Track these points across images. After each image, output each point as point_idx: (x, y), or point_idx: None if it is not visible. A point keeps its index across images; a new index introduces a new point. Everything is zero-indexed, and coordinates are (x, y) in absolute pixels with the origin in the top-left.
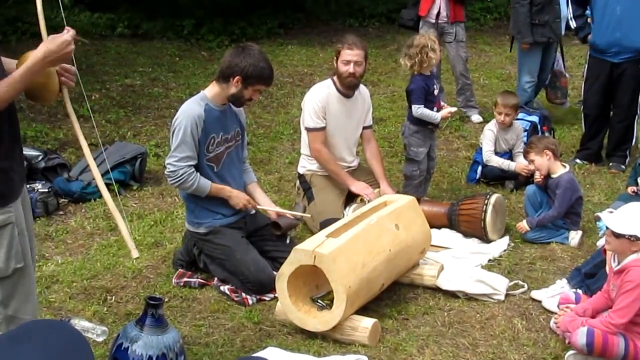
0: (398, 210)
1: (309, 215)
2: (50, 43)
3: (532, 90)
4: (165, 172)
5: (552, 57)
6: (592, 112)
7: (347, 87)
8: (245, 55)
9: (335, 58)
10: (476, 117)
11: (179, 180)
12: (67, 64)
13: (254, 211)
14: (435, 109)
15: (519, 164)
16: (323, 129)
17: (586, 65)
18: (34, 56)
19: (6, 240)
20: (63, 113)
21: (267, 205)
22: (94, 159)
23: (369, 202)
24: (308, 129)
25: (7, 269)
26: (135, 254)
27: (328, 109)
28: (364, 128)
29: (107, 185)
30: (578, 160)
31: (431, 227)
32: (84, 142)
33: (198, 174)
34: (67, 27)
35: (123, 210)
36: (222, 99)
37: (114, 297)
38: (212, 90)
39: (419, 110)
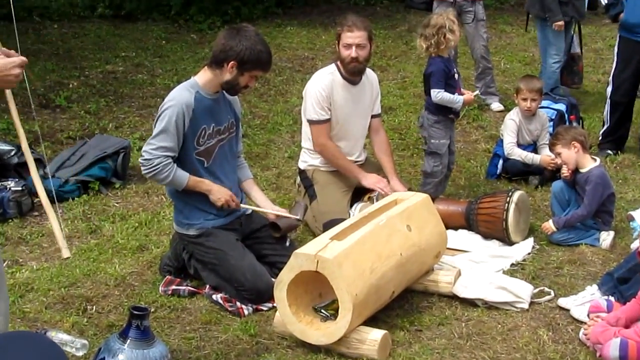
0: (410, 210)
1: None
2: None
3: (559, 71)
4: (140, 160)
5: (570, 38)
6: (622, 99)
7: (352, 73)
8: (240, 38)
9: (336, 42)
10: (496, 105)
11: (153, 171)
12: (8, 88)
13: (249, 210)
14: (456, 95)
15: (544, 157)
16: (328, 120)
17: (616, 48)
18: None
19: None
20: (37, 103)
21: (263, 203)
22: (71, 155)
23: (378, 199)
24: (311, 122)
25: None
26: (65, 253)
27: (333, 98)
28: (372, 117)
29: (86, 182)
30: (609, 151)
31: (447, 227)
32: (22, 131)
33: (175, 165)
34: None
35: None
36: (214, 86)
37: (94, 307)
38: (203, 76)
39: (438, 95)
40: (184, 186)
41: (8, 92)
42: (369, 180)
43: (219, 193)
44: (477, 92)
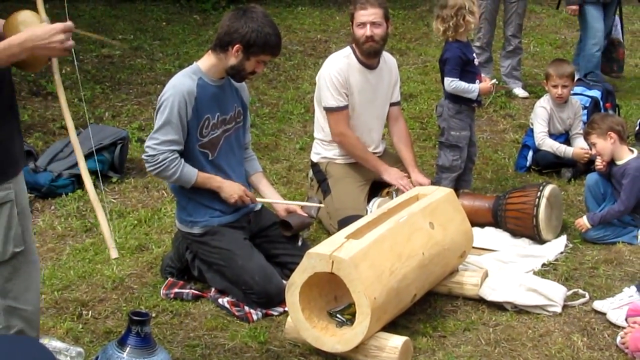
0: (433, 205)
1: (323, 205)
2: (37, 27)
3: (599, 54)
4: (143, 157)
5: (610, 21)
6: None
7: (368, 55)
8: (247, 19)
9: (350, 22)
10: (520, 91)
11: (159, 167)
12: (56, 57)
13: (259, 206)
14: (477, 82)
15: (577, 149)
16: (346, 107)
17: None
18: (12, 38)
19: (4, 220)
20: (28, 90)
21: (272, 198)
22: (65, 147)
23: (398, 194)
24: (329, 110)
25: (5, 253)
26: (114, 254)
27: (349, 83)
28: (391, 105)
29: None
30: None
31: (473, 225)
32: (71, 123)
33: (182, 160)
34: (68, 21)
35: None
36: (219, 71)
37: (90, 312)
38: (207, 61)
39: (452, 84)
40: (192, 183)
41: (55, 65)
42: (391, 174)
43: (231, 189)
44: (494, 80)
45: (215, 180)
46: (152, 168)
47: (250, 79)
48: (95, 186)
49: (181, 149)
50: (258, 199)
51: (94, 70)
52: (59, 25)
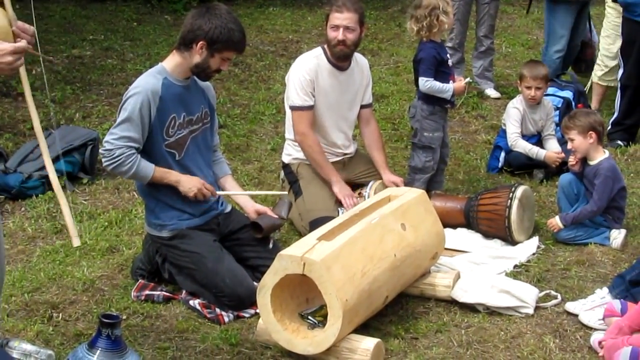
0: (405, 207)
1: (285, 193)
2: None
3: (560, 61)
4: (100, 151)
5: (586, 22)
6: (632, 82)
7: (338, 58)
8: (210, 16)
9: (324, 23)
10: (492, 92)
11: (115, 162)
12: (3, 75)
13: (229, 208)
14: (450, 82)
15: (549, 153)
16: (311, 107)
17: (620, 30)
18: None
19: None
20: None
21: (244, 204)
22: (35, 148)
23: (342, 212)
24: (293, 108)
25: None
26: (76, 242)
27: (317, 84)
28: (362, 107)
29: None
30: (620, 142)
31: (445, 226)
32: (37, 122)
33: (138, 156)
34: (23, 39)
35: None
36: (184, 71)
37: (61, 314)
38: (171, 61)
39: (427, 84)
40: (149, 178)
41: (21, 70)
42: (341, 190)
43: (189, 183)
44: (468, 79)
45: (172, 175)
46: (108, 163)
47: (217, 78)
48: (64, 187)
49: (139, 147)
50: (219, 192)
51: (64, 71)
52: (8, 47)
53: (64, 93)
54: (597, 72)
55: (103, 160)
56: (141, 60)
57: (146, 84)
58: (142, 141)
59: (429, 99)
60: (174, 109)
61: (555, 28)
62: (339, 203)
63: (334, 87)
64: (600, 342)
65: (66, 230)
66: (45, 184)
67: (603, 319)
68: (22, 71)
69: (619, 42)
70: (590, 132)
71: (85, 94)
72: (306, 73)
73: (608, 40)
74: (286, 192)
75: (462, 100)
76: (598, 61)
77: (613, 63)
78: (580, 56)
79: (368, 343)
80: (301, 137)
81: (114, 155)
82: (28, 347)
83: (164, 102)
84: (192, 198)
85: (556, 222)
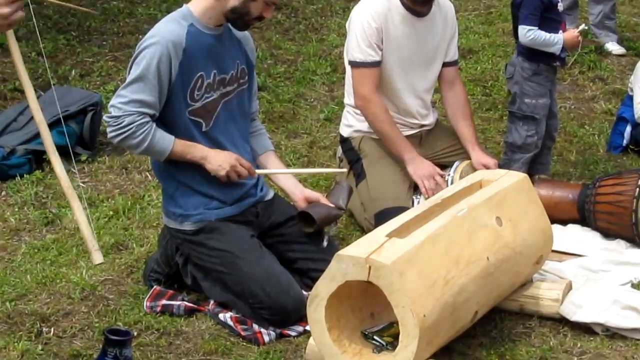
0: (501, 195)
1: (344, 170)
2: None
3: None
4: (105, 118)
5: None
6: None
7: (415, 1)
8: None
9: None
10: (614, 47)
11: (123, 133)
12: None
13: (270, 195)
14: (560, 32)
15: None
16: (377, 64)
17: None
18: None
19: None
20: None
21: (289, 186)
22: (19, 115)
23: (418, 203)
24: (353, 64)
25: None
26: (98, 258)
27: (387, 34)
28: (445, 65)
29: (40, 153)
30: None
31: (552, 221)
32: (29, 84)
33: (154, 125)
34: None
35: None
36: (216, 16)
37: (52, 329)
38: (200, 3)
39: (529, 33)
40: (167, 154)
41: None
42: (417, 168)
43: (219, 158)
44: (582, 25)
45: (197, 149)
46: (114, 133)
47: (255, 27)
48: (66, 169)
49: (154, 113)
50: (258, 170)
51: (56, 16)
52: None
53: (56, 44)
54: None
55: (108, 130)
56: (155, 2)
57: (166, 33)
58: (158, 106)
59: (531, 54)
60: (202, 66)
61: None
62: (414, 189)
63: (409, 38)
64: None
65: (81, 239)
66: (32, 161)
67: None
68: None
69: None
70: None
71: (84, 45)
72: (372, 19)
73: None
74: (345, 170)
75: (575, 57)
76: None
77: None
78: None
79: None
80: (363, 103)
81: (122, 124)
82: None
83: (189, 56)
84: (223, 178)
85: None
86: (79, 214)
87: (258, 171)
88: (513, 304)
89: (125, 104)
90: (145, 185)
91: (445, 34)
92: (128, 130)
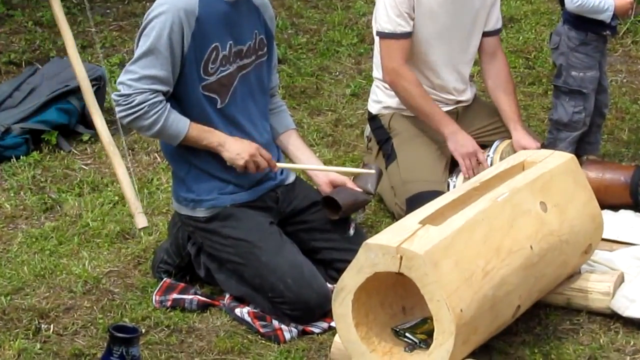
0: (546, 178)
1: (374, 171)
2: None
3: None
4: (113, 97)
5: None
6: None
7: None
8: None
9: None
10: None
11: (134, 112)
12: None
13: (292, 178)
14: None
15: None
16: (408, 35)
17: None
18: None
19: None
20: None
21: (308, 163)
22: (14, 90)
23: (456, 184)
24: (382, 35)
25: None
26: (141, 221)
27: (419, 2)
28: (485, 34)
29: (38, 133)
30: None
31: (603, 207)
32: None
33: (168, 105)
34: None
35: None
36: None
37: (52, 326)
38: None
39: (576, 0)
40: (181, 138)
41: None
42: (458, 143)
43: (237, 147)
44: None
45: (214, 135)
46: (124, 113)
47: None
48: (61, 147)
49: (168, 90)
50: (279, 164)
51: None
52: None
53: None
54: None
55: (117, 110)
56: None
57: (178, 1)
58: (172, 82)
59: (579, 22)
60: (217, 36)
61: None
62: (449, 171)
63: (444, 5)
64: None
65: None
66: (29, 142)
67: None
68: None
69: None
70: None
71: (85, 14)
72: None
73: None
74: (374, 171)
75: (628, 26)
76: None
77: None
78: None
79: None
80: (392, 77)
81: (132, 104)
82: None
83: (203, 25)
84: (241, 169)
85: None
86: (122, 173)
87: (279, 165)
88: (559, 298)
89: (136, 80)
90: (154, 167)
91: (486, 1)
92: (140, 110)
